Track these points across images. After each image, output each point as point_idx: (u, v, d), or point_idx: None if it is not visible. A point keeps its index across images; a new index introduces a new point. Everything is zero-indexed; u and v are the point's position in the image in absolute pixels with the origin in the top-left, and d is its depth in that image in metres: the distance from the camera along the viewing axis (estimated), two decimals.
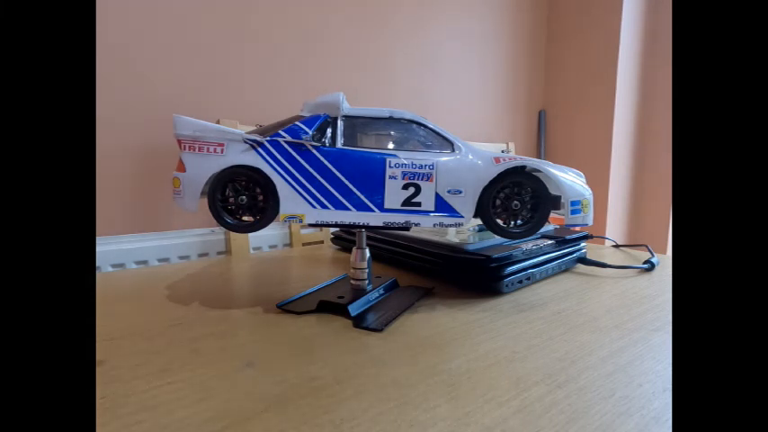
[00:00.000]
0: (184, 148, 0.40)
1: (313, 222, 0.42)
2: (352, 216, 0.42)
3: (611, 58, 1.62)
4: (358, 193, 0.41)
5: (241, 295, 0.50)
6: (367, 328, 0.39)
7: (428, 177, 0.42)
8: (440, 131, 0.45)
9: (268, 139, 0.42)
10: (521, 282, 0.53)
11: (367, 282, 0.47)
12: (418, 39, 1.42)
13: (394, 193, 0.42)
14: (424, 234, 0.60)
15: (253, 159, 0.41)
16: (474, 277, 0.50)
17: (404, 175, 0.41)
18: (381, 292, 0.48)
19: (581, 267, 0.66)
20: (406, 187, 0.42)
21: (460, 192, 0.41)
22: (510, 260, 0.51)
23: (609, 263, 0.65)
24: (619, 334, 0.40)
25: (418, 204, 0.42)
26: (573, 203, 0.43)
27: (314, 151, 0.42)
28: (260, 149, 0.42)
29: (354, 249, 0.48)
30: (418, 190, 0.41)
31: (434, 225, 0.42)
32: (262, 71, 1.08)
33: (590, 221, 0.44)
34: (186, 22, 0.94)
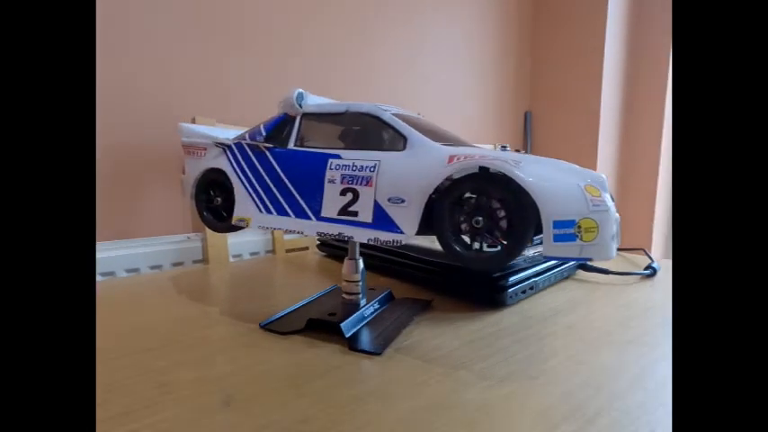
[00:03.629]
0: (186, 153, 0.43)
1: (256, 227, 0.37)
2: (289, 223, 0.37)
3: (597, 60, 1.62)
4: (298, 198, 0.36)
5: (219, 312, 0.45)
6: (364, 351, 0.34)
7: (367, 181, 0.33)
8: (393, 123, 0.36)
9: (235, 142, 0.38)
10: (524, 292, 0.49)
11: (361, 296, 0.42)
12: (402, 40, 1.40)
13: (331, 200, 0.35)
14: (420, 240, 0.56)
15: (221, 162, 0.38)
16: (475, 288, 0.46)
17: (342, 178, 0.34)
18: (376, 306, 0.44)
19: (581, 274, 0.63)
20: (344, 192, 0.34)
21: (402, 200, 0.32)
22: (513, 269, 0.48)
23: (609, 268, 0.62)
24: (638, 351, 0.37)
25: (354, 214, 0.34)
26: (558, 224, 0.27)
27: (266, 153, 0.38)
28: (228, 152, 0.38)
29: (346, 260, 0.43)
30: (356, 196, 0.34)
31: (368, 240, 0.33)
32: (244, 70, 1.02)
33: (602, 254, 0.28)
34: (158, 10, 0.88)
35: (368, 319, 0.42)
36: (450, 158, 0.32)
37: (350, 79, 1.25)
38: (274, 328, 0.40)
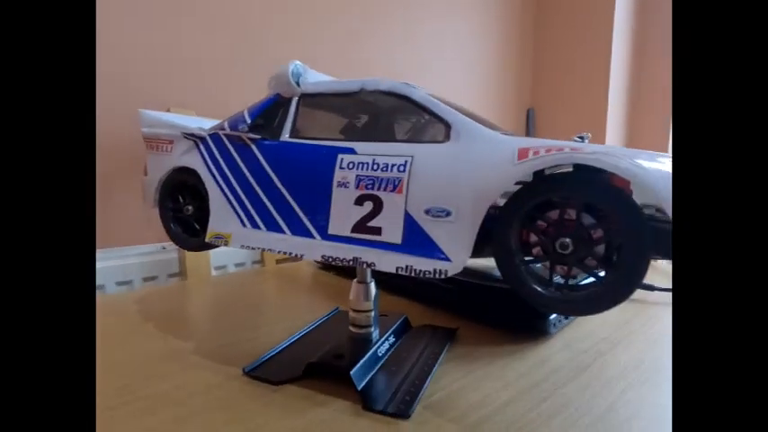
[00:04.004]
0: (148, 147, 0.34)
1: (238, 246, 0.28)
2: (284, 242, 0.27)
3: (603, 55, 1.56)
4: (296, 209, 0.27)
5: (193, 349, 0.35)
6: (385, 413, 0.25)
7: (395, 185, 0.24)
8: (429, 106, 0.27)
9: (211, 132, 0.28)
10: (567, 317, 0.41)
11: (372, 328, 0.33)
12: (401, 32, 1.32)
13: (343, 211, 0.26)
14: None
15: (192, 159, 0.28)
16: (509, 312, 0.37)
17: (359, 181, 0.25)
18: (392, 340, 0.35)
19: None
20: (360, 201, 0.25)
21: (447, 213, 0.23)
22: None
23: (654, 283, 0.54)
24: None
25: (376, 231, 0.25)
26: None
27: (252, 147, 0.28)
28: (201, 146, 0.28)
29: (355, 284, 0.34)
30: (379, 207, 0.25)
31: (397, 269, 0.24)
32: (228, 53, 0.92)
33: None
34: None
35: (383, 360, 0.33)
36: (523, 152, 0.22)
37: (343, 72, 1.16)
38: (263, 375, 0.31)
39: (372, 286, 0.35)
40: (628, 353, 0.37)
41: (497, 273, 0.41)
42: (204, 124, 0.34)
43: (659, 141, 1.63)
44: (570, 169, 0.21)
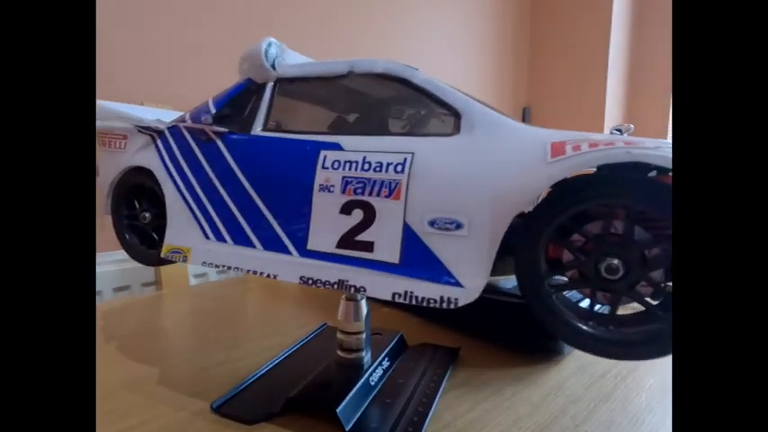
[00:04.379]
0: (100, 144, 0.30)
1: (199, 263, 0.23)
2: (254, 259, 0.22)
3: (601, 54, 1.53)
4: (269, 218, 0.22)
5: (162, 376, 0.32)
6: None
7: (391, 190, 0.19)
8: (435, 91, 0.22)
9: (170, 126, 0.24)
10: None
11: (364, 352, 0.29)
12: (396, 31, 1.28)
13: (326, 221, 0.21)
14: None
15: (148, 158, 0.23)
16: (516, 329, 0.33)
17: (345, 183, 0.20)
18: (386, 365, 0.30)
19: None
20: (347, 209, 0.20)
21: (459, 225, 0.18)
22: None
23: None
24: None
25: (368, 247, 0.20)
26: None
27: (217, 141, 0.23)
28: (159, 142, 0.23)
29: (343, 301, 0.30)
30: (370, 216, 0.20)
31: (394, 296, 0.19)
32: (207, 43, 0.87)
33: None
34: None
35: (376, 389, 0.28)
36: (558, 147, 0.17)
37: None
38: (234, 411, 0.26)
39: (363, 304, 0.31)
40: (652, 375, 0.33)
41: (504, 284, 0.37)
42: (165, 116, 0.29)
43: (659, 137, 1.60)
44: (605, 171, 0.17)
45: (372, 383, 0.30)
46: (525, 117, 1.71)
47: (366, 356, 0.31)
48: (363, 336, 0.31)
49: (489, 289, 0.38)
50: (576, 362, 0.36)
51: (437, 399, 0.29)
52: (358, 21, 1.19)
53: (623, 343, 0.15)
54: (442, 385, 0.31)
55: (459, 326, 0.41)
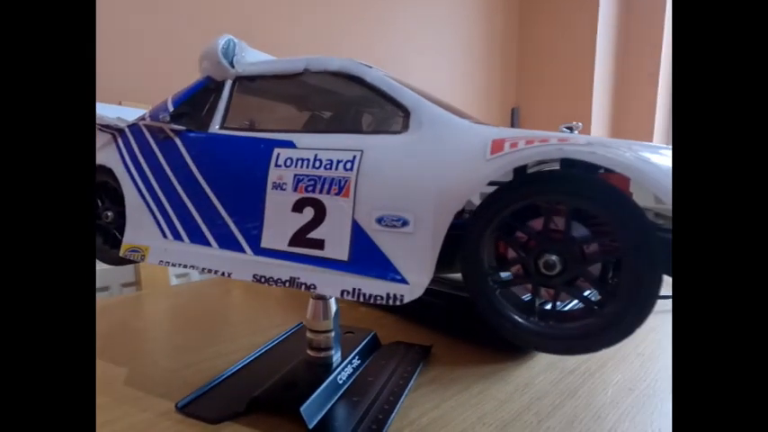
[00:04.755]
0: None
1: (156, 262, 0.23)
2: (209, 258, 0.22)
3: (587, 56, 1.55)
4: (225, 216, 0.22)
5: (130, 376, 0.33)
6: None
7: (341, 187, 0.19)
8: (384, 88, 0.22)
9: (130, 124, 0.23)
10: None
11: (333, 350, 0.29)
12: (383, 33, 1.28)
13: (278, 219, 0.21)
14: None
15: (108, 156, 0.23)
16: (490, 327, 0.33)
17: (297, 181, 0.20)
18: (356, 363, 0.30)
19: None
20: (299, 207, 0.20)
21: (405, 222, 0.18)
22: None
23: None
24: None
25: (318, 245, 0.20)
26: None
27: (176, 140, 0.23)
28: (119, 141, 0.23)
29: (311, 300, 0.30)
30: (321, 214, 0.20)
31: (343, 293, 0.20)
32: (189, 40, 0.86)
33: None
34: None
35: (344, 388, 0.28)
36: (497, 144, 0.17)
37: None
38: (198, 411, 0.26)
39: (332, 302, 0.31)
40: (619, 372, 0.33)
41: None
42: (128, 114, 0.29)
43: (644, 139, 1.62)
44: (557, 167, 0.17)
45: (340, 382, 0.29)
46: (514, 117, 1.72)
47: (336, 355, 0.31)
48: (332, 334, 0.31)
49: (463, 286, 0.38)
50: (547, 359, 0.36)
51: (404, 396, 0.29)
52: (342, 22, 1.19)
53: (562, 337, 0.15)
54: (411, 383, 0.31)
55: (434, 324, 0.41)
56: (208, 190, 0.21)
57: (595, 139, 0.15)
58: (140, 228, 0.23)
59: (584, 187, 0.15)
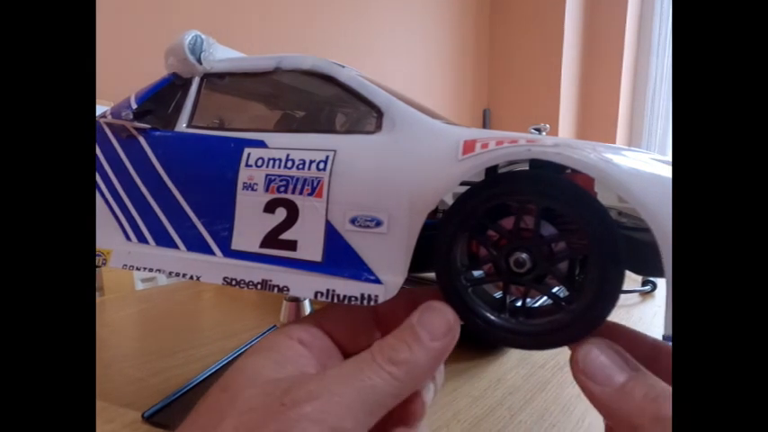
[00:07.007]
0: None
1: (120, 266, 0.22)
2: (177, 260, 0.22)
3: (554, 58, 1.59)
4: (193, 218, 0.21)
5: (97, 382, 0.29)
6: None
7: (314, 188, 0.19)
8: (357, 88, 0.22)
9: None
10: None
11: None
12: (354, 33, 1.28)
13: (249, 220, 0.20)
14: None
15: None
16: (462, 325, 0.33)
17: (269, 182, 0.20)
18: None
19: None
20: (271, 208, 0.20)
21: (378, 222, 0.18)
22: None
23: None
24: None
25: (291, 246, 0.19)
26: None
27: (139, 138, 0.23)
28: None
29: (285, 302, 0.29)
30: (293, 215, 0.20)
31: (317, 295, 0.19)
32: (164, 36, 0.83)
33: None
34: None
35: None
36: (468, 145, 0.17)
37: None
38: (165, 420, 0.25)
39: (306, 304, 0.31)
40: None
41: None
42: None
43: (609, 140, 1.69)
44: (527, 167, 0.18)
45: None
46: (485, 119, 1.75)
47: None
48: None
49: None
50: (519, 354, 0.37)
51: None
52: (313, 24, 1.18)
53: (532, 333, 0.16)
54: None
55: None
56: (174, 190, 0.21)
57: (562, 141, 0.16)
58: (101, 231, 0.22)
59: (551, 187, 0.15)
